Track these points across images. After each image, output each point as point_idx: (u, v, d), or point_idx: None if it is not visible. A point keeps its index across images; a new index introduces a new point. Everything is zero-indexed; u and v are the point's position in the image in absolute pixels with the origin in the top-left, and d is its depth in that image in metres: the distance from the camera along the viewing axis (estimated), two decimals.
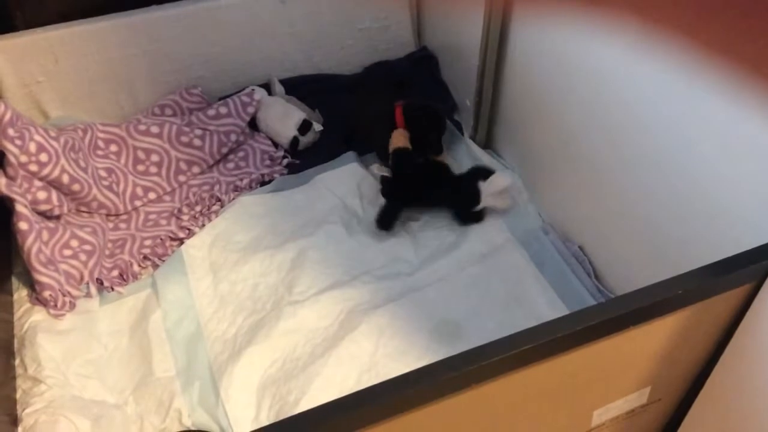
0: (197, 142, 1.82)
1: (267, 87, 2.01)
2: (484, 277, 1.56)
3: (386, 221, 1.65)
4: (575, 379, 0.85)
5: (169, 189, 1.80)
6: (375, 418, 0.70)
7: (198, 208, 1.74)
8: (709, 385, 0.98)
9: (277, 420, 0.69)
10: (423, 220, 1.71)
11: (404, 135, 1.74)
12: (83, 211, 1.69)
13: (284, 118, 1.91)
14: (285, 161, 1.89)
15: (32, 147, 1.52)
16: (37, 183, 1.55)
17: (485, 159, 1.82)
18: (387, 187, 1.68)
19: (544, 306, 1.48)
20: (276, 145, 1.93)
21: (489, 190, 1.63)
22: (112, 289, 1.56)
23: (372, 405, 0.69)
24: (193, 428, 1.32)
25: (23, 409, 1.30)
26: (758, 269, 0.82)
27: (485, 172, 1.69)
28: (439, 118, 1.77)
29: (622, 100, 1.28)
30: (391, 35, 2.14)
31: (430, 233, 1.68)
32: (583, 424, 0.96)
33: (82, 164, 1.64)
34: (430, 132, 1.76)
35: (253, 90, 1.94)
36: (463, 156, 1.85)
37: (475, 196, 1.62)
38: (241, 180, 1.81)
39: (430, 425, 0.77)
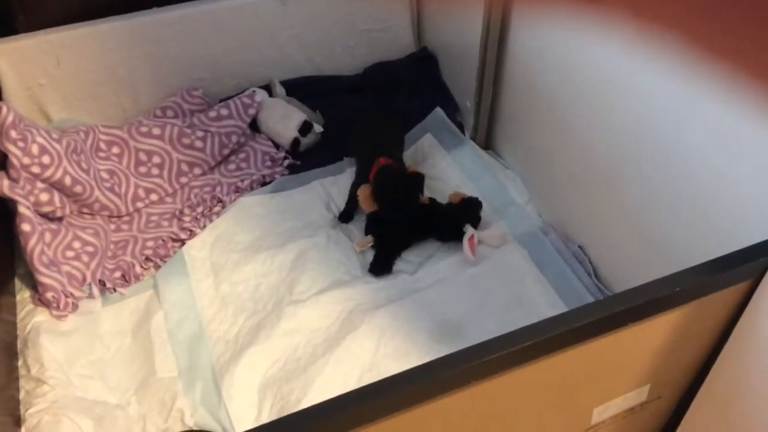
0: (198, 143, 1.83)
1: (268, 88, 2.02)
2: (485, 278, 1.56)
3: (379, 268, 1.60)
4: (574, 377, 0.85)
5: (170, 190, 1.81)
6: (375, 416, 0.70)
7: (199, 210, 1.75)
8: (709, 383, 0.99)
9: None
10: None
11: (368, 196, 1.66)
12: (85, 213, 1.70)
13: (285, 119, 1.92)
14: (286, 162, 1.89)
15: (35, 149, 1.53)
16: (40, 185, 1.55)
17: (486, 159, 1.83)
18: (377, 248, 1.64)
19: (545, 306, 1.49)
20: (277, 146, 1.94)
21: (485, 237, 1.62)
22: (115, 290, 1.56)
23: (372, 402, 0.69)
24: (195, 428, 1.32)
25: (26, 410, 1.30)
26: (755, 266, 0.83)
27: (472, 208, 1.65)
28: (408, 188, 1.64)
29: (622, 99, 1.28)
30: (392, 36, 2.15)
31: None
32: (583, 422, 0.96)
33: (84, 166, 1.64)
34: (402, 198, 1.63)
35: (254, 91, 1.95)
36: (464, 157, 1.85)
37: (459, 234, 1.61)
38: (243, 181, 1.82)
39: (430, 422, 0.77)
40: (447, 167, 1.86)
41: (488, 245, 1.62)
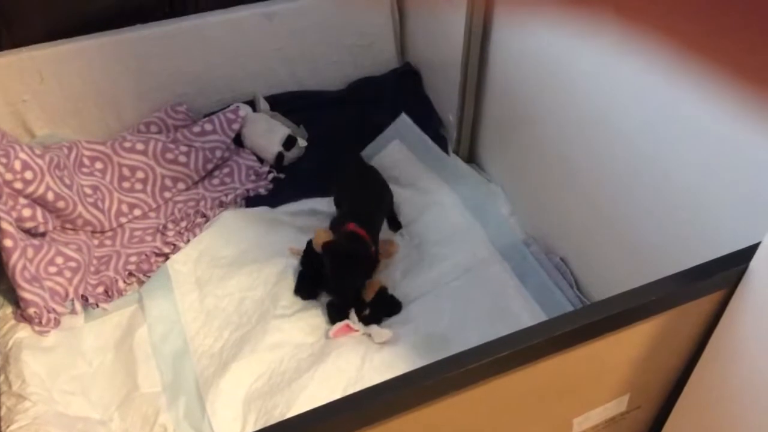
0: (182, 158, 1.83)
1: (252, 103, 2.03)
2: (467, 291, 1.57)
3: (303, 292, 1.57)
4: (553, 387, 0.86)
5: (154, 205, 1.81)
6: (357, 425, 0.71)
7: (183, 224, 1.75)
8: (688, 391, 1.00)
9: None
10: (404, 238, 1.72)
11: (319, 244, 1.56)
12: (68, 228, 1.69)
13: (269, 134, 1.93)
14: (270, 176, 1.90)
15: (17, 165, 1.52)
16: (22, 200, 1.55)
17: (468, 175, 1.83)
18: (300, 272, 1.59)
19: (527, 318, 1.49)
20: (261, 160, 1.95)
21: (374, 333, 1.49)
22: (97, 305, 1.56)
23: (354, 412, 0.70)
24: None
25: (7, 426, 1.29)
26: (730, 275, 0.84)
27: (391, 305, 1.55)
28: (353, 276, 1.51)
29: (603, 110, 1.30)
30: (375, 52, 2.16)
31: (413, 249, 1.69)
32: None
33: (67, 182, 1.64)
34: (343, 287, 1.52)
35: (237, 107, 1.96)
36: (448, 175, 1.86)
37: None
38: (227, 195, 1.82)
39: None
40: (419, 173, 1.87)
41: (372, 340, 1.49)
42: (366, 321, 1.50)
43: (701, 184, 1.10)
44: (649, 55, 1.12)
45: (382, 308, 1.53)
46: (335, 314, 1.51)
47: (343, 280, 1.49)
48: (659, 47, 1.10)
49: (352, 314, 1.50)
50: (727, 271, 0.83)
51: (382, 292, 1.55)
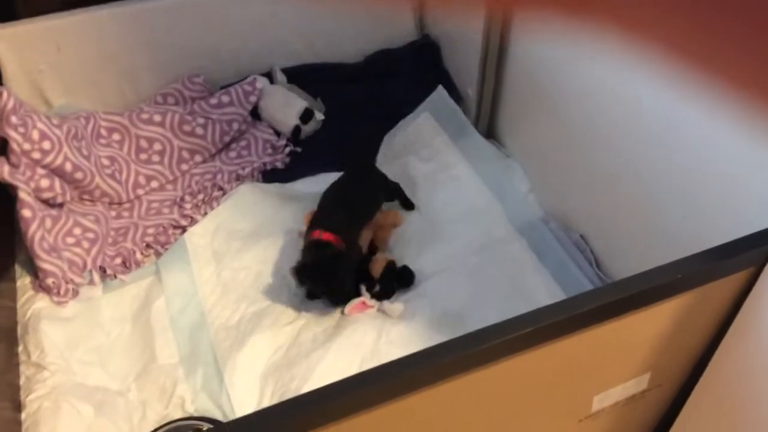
0: (199, 130, 1.82)
1: (269, 76, 2.01)
2: (484, 268, 1.56)
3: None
4: (574, 364, 0.85)
5: (171, 178, 1.80)
6: (375, 401, 0.70)
7: (200, 197, 1.75)
8: (710, 371, 0.98)
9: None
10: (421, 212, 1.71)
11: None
12: (86, 200, 1.70)
13: (286, 107, 1.91)
14: (287, 150, 1.89)
15: (35, 135, 1.52)
16: (40, 171, 1.55)
17: (487, 151, 1.81)
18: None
19: (545, 295, 1.48)
20: (278, 133, 1.93)
21: (387, 308, 1.49)
22: (115, 276, 1.56)
23: (372, 387, 0.69)
24: (195, 414, 1.33)
25: (27, 396, 1.31)
26: (758, 254, 0.82)
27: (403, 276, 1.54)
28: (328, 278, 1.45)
29: (626, 89, 1.27)
30: (394, 24, 2.13)
31: (429, 225, 1.68)
32: (583, 410, 0.96)
33: (85, 152, 1.64)
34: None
35: (254, 79, 1.94)
36: (469, 150, 1.82)
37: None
38: (243, 169, 1.82)
39: (430, 408, 0.77)
40: (443, 146, 1.84)
41: (388, 315, 1.49)
42: (378, 297, 1.50)
43: (729, 162, 1.08)
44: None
45: (392, 282, 1.52)
46: (343, 303, 1.50)
47: (331, 290, 1.48)
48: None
49: (364, 291, 1.50)
50: (754, 250, 0.82)
51: (391, 266, 1.53)
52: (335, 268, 1.43)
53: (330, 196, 1.60)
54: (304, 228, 1.58)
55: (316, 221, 1.52)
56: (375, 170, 1.72)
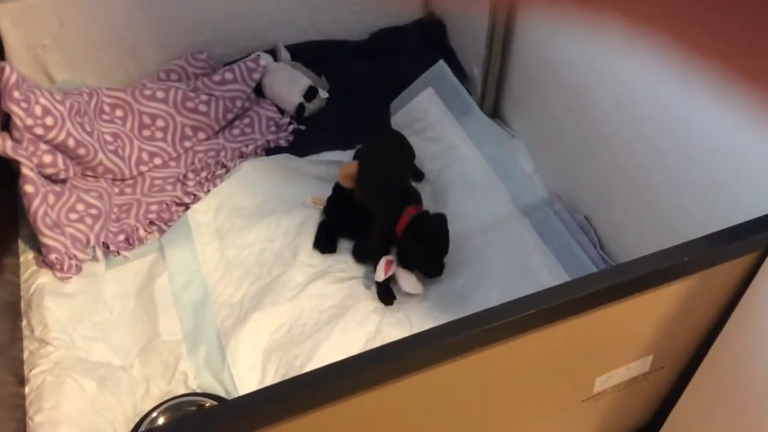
0: (203, 107, 1.81)
1: (273, 53, 2.00)
2: (488, 248, 1.55)
3: (323, 245, 1.57)
4: (577, 346, 0.85)
5: (174, 154, 1.80)
6: (380, 380, 0.70)
7: (203, 174, 1.74)
8: (712, 354, 0.99)
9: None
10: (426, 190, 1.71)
11: (351, 176, 1.59)
12: (89, 176, 1.69)
13: (290, 84, 1.90)
14: (290, 128, 1.88)
15: (38, 110, 1.52)
16: (43, 146, 1.54)
17: (492, 131, 1.80)
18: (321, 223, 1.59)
19: (548, 276, 1.48)
20: (281, 111, 1.93)
21: (400, 276, 1.48)
22: (118, 253, 1.56)
23: (377, 367, 0.69)
24: (198, 390, 1.33)
25: (30, 370, 1.31)
26: (763, 238, 0.82)
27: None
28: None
29: (633, 72, 1.26)
30: (399, 1, 2.11)
31: (433, 205, 1.67)
32: (586, 391, 0.97)
33: (88, 128, 1.63)
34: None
35: (258, 56, 1.93)
36: (473, 129, 1.81)
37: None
38: (247, 146, 1.81)
39: (432, 388, 0.77)
40: (448, 126, 1.83)
41: (400, 286, 1.48)
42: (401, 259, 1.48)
43: (735, 146, 1.07)
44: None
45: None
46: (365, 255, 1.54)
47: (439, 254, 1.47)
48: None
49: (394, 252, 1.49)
50: (760, 234, 0.81)
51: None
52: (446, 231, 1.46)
53: (384, 166, 1.61)
54: (314, 205, 1.59)
55: (396, 199, 1.49)
56: (404, 137, 1.73)
